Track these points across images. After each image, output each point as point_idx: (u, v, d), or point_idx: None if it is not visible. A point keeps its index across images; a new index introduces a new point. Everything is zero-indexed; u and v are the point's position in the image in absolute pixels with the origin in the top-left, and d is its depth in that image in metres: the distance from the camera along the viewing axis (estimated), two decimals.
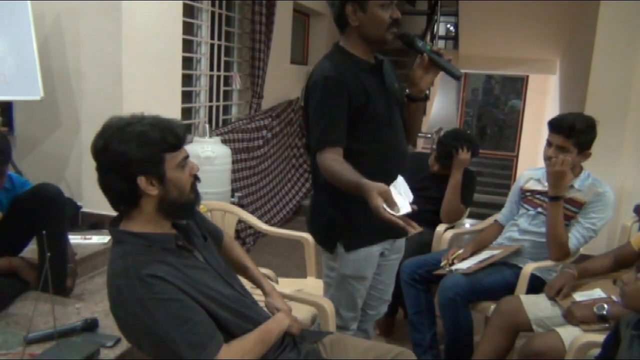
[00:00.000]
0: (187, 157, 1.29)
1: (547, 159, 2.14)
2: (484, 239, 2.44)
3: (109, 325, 1.95)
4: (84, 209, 3.10)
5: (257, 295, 1.53)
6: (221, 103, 4.47)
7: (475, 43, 6.69)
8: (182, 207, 1.29)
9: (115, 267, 1.22)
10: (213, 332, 1.20)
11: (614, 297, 1.89)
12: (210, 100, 4.31)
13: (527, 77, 9.43)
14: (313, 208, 1.84)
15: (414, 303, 2.39)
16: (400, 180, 1.51)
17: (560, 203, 2.09)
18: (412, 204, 1.42)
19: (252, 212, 3.77)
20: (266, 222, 3.38)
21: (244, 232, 3.93)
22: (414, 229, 1.39)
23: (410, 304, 2.40)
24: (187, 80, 3.94)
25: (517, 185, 2.44)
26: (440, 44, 8.05)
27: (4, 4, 2.74)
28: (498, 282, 2.18)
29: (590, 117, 2.16)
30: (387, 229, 1.69)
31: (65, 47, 3.09)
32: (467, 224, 3.12)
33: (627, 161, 3.71)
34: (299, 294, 1.91)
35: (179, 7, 3.40)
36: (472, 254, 2.36)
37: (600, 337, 1.68)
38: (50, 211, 2.07)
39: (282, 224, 4.57)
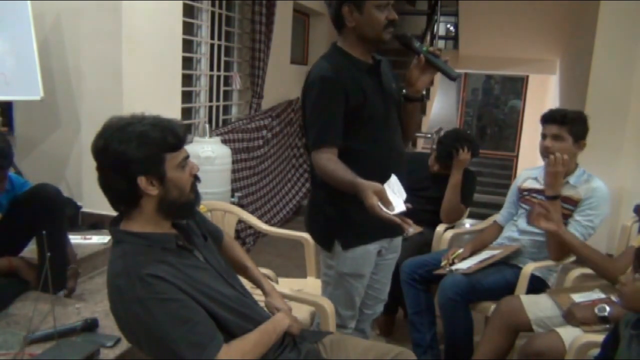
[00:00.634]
0: (187, 157, 1.29)
1: (544, 150, 2.17)
2: (484, 239, 2.44)
3: (109, 325, 1.95)
4: (84, 209, 3.10)
5: (257, 295, 1.53)
6: (221, 103, 4.47)
7: (475, 43, 6.69)
8: (182, 207, 1.29)
9: (115, 267, 1.22)
10: (213, 332, 1.20)
11: (613, 298, 1.89)
12: (210, 100, 4.31)
13: (527, 77, 9.44)
14: (311, 206, 1.85)
15: (413, 303, 2.39)
16: (394, 179, 1.52)
17: (558, 202, 2.09)
18: (406, 202, 1.44)
19: (252, 212, 3.77)
20: (266, 222, 3.38)
21: (244, 232, 3.93)
22: (410, 226, 1.40)
23: (410, 304, 2.40)
24: (187, 80, 3.94)
25: (515, 185, 2.45)
26: (440, 44, 8.06)
27: (4, 3, 2.74)
28: (498, 282, 2.18)
29: (582, 111, 2.21)
30: (384, 227, 1.71)
31: (65, 47, 3.09)
32: (467, 224, 3.12)
33: (627, 161, 3.72)
34: (299, 294, 1.91)
35: (179, 7, 3.40)
36: (472, 253, 2.36)
37: (600, 338, 1.68)
38: (50, 212, 2.08)
39: (282, 224, 4.57)
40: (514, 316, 1.99)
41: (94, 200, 3.00)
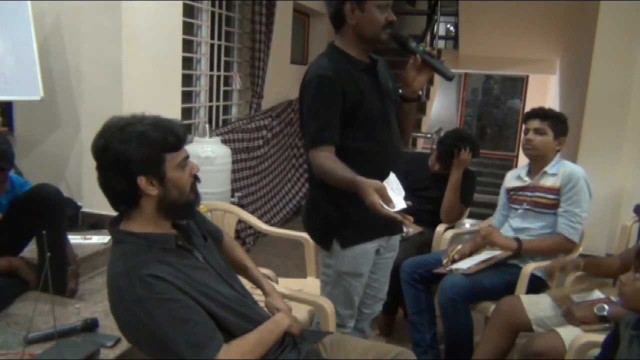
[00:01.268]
0: (187, 157, 1.29)
1: (526, 143, 2.29)
2: (480, 244, 2.44)
3: (109, 325, 1.95)
4: (84, 209, 3.10)
5: (257, 295, 1.53)
6: (221, 103, 4.47)
7: (475, 43, 6.69)
8: (182, 207, 1.29)
9: (115, 267, 1.22)
10: (213, 332, 1.20)
11: (612, 298, 1.89)
12: (210, 100, 4.31)
13: (527, 77, 9.44)
14: (309, 205, 1.85)
15: (414, 303, 2.39)
16: (392, 177, 1.53)
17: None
18: (405, 200, 1.45)
19: (252, 212, 3.77)
20: (266, 222, 3.38)
21: (244, 232, 3.92)
22: (410, 222, 1.40)
23: (411, 304, 2.40)
24: (187, 80, 3.93)
25: (503, 187, 2.51)
26: (440, 44, 8.05)
27: (4, 4, 2.74)
28: (498, 282, 2.18)
29: (562, 113, 2.34)
30: (382, 226, 1.73)
31: (65, 46, 3.09)
32: (467, 224, 3.12)
33: (627, 161, 3.72)
34: (299, 294, 1.91)
35: (179, 7, 3.40)
36: (472, 253, 2.36)
37: (600, 337, 1.68)
38: (49, 212, 2.07)
39: (282, 224, 4.56)
40: (514, 316, 1.99)
41: (94, 200, 3.00)
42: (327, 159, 1.59)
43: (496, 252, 2.28)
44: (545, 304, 1.99)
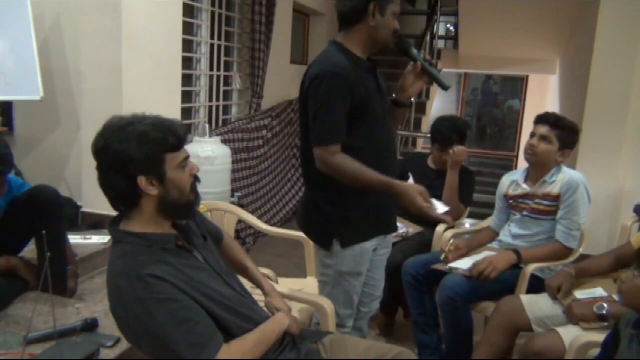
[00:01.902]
0: (187, 157, 1.29)
1: (529, 148, 2.24)
2: (479, 242, 2.44)
3: (109, 325, 1.95)
4: (84, 209, 3.10)
5: (257, 295, 1.53)
6: (221, 103, 4.47)
7: (475, 43, 6.68)
8: (182, 207, 1.29)
9: (115, 267, 1.22)
10: (213, 332, 1.20)
11: (615, 297, 1.89)
12: (210, 100, 4.31)
13: (527, 77, 9.43)
14: (307, 205, 1.83)
15: (418, 304, 2.38)
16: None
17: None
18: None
19: (252, 212, 3.77)
20: (266, 222, 3.38)
21: (244, 232, 3.92)
22: (451, 221, 1.69)
23: (415, 305, 2.39)
24: (187, 80, 3.94)
25: (500, 193, 2.48)
26: (440, 44, 8.04)
27: (4, 4, 2.74)
28: (498, 282, 2.18)
29: (576, 124, 2.26)
30: (381, 225, 1.74)
31: (65, 47, 3.09)
32: (467, 224, 3.12)
33: (627, 161, 3.71)
34: (299, 294, 1.91)
35: (179, 7, 3.40)
36: (469, 252, 2.35)
37: (600, 337, 1.68)
38: (48, 213, 2.07)
39: (282, 224, 4.56)
40: (513, 316, 1.99)
41: (94, 200, 3.01)
42: (346, 158, 1.60)
43: (494, 253, 2.27)
44: (545, 304, 1.99)
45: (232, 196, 3.77)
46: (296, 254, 3.31)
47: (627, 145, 3.70)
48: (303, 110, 1.70)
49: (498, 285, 2.17)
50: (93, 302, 2.26)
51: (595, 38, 3.74)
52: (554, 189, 2.21)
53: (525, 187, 2.32)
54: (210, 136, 3.55)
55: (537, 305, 1.99)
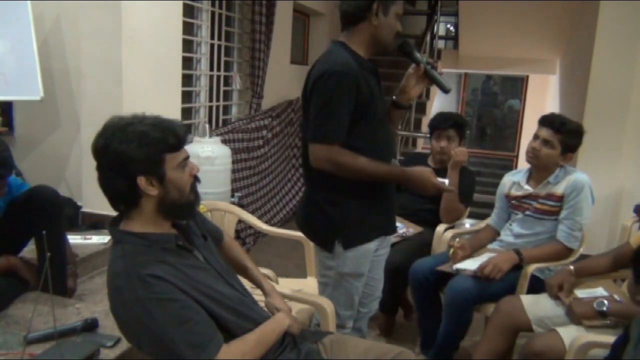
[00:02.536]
0: (187, 157, 1.29)
1: (531, 150, 2.22)
2: (480, 241, 2.43)
3: (109, 325, 1.95)
4: (84, 209, 3.10)
5: (257, 295, 1.53)
6: (221, 103, 4.47)
7: (475, 43, 6.68)
8: (182, 207, 1.29)
9: (115, 267, 1.22)
10: (213, 332, 1.20)
11: (615, 296, 1.89)
12: (210, 100, 4.31)
13: (527, 77, 9.43)
14: (308, 206, 1.82)
15: (424, 306, 2.39)
16: None
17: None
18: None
19: (252, 212, 3.77)
20: (266, 222, 3.38)
21: (244, 232, 3.92)
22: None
23: (421, 307, 2.41)
24: (187, 80, 3.94)
25: (501, 192, 2.48)
26: (440, 44, 8.04)
27: (4, 4, 2.74)
28: (503, 284, 2.17)
29: (581, 125, 2.24)
30: (382, 225, 1.74)
31: (65, 47, 3.09)
32: (467, 224, 3.12)
33: (627, 161, 3.71)
34: (299, 294, 1.91)
35: (179, 7, 3.40)
36: (472, 252, 2.35)
37: (600, 337, 1.68)
38: (47, 214, 2.07)
39: (282, 224, 4.56)
40: (514, 316, 1.99)
41: (94, 200, 3.01)
42: (351, 155, 1.61)
43: (496, 254, 2.27)
44: (545, 304, 1.99)
45: (232, 196, 3.77)
46: (296, 254, 3.31)
47: (627, 145, 3.70)
48: (306, 110, 1.69)
49: (502, 286, 2.17)
50: (93, 302, 2.25)
51: (595, 38, 3.74)
52: (558, 189, 2.21)
53: (528, 188, 2.31)
54: (210, 136, 3.55)
55: (537, 306, 1.99)
